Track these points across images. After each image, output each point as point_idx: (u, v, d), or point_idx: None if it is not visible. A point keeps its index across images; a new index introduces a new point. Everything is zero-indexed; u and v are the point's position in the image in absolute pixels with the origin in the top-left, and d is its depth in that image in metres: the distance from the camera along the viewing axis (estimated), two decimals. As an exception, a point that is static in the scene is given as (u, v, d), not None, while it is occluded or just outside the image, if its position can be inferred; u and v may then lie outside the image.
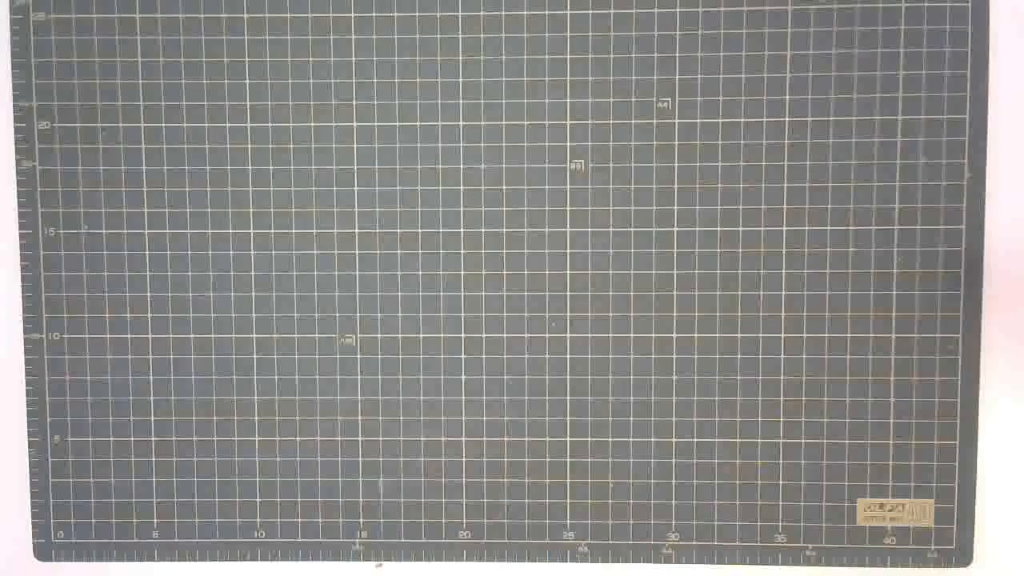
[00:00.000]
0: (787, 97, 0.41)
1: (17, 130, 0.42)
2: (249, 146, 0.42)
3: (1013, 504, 0.42)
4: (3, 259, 0.43)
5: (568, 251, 0.42)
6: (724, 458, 0.43)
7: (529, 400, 0.43)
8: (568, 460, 0.43)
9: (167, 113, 0.42)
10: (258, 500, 0.43)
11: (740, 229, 0.42)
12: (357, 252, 0.42)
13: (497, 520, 0.43)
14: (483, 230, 0.42)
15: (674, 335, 0.42)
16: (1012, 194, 0.41)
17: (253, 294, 0.43)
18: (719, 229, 0.42)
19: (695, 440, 0.43)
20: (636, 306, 0.42)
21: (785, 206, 0.42)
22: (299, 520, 0.43)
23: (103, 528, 0.44)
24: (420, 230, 0.42)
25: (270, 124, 0.42)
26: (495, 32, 0.41)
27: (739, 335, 0.42)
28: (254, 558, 0.43)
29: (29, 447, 0.44)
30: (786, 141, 0.41)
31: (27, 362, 0.43)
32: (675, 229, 0.42)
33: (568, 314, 0.42)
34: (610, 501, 0.43)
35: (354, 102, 0.42)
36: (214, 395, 0.43)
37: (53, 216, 0.43)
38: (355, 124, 0.42)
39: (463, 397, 0.43)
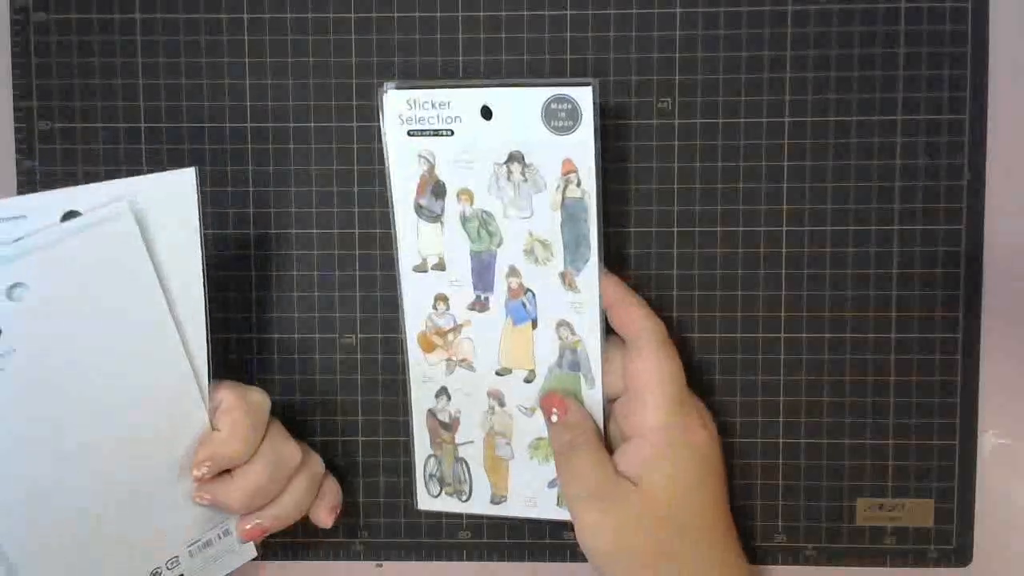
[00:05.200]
0: (787, 97, 0.41)
1: (17, 130, 0.42)
2: (249, 146, 0.42)
3: (1013, 504, 0.42)
4: (3, 259, 0.43)
5: (568, 251, 0.42)
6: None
7: (529, 400, 0.43)
8: (568, 460, 0.43)
9: (167, 113, 0.42)
10: (258, 500, 0.43)
11: (740, 229, 0.42)
12: (357, 252, 0.42)
13: (497, 520, 0.43)
14: (483, 230, 0.42)
15: (674, 335, 0.42)
16: (1012, 194, 0.41)
17: (253, 294, 0.43)
18: (719, 229, 0.42)
19: (695, 440, 0.42)
20: (636, 306, 0.42)
21: (785, 206, 0.42)
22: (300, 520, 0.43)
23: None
24: (420, 230, 0.42)
25: (270, 124, 0.42)
26: (495, 32, 0.41)
27: (739, 335, 0.42)
28: (254, 558, 0.43)
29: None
30: (786, 141, 0.41)
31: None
32: (675, 229, 0.42)
33: (568, 314, 0.42)
34: (610, 501, 0.43)
35: (354, 102, 0.42)
36: (214, 395, 0.43)
37: (53, 216, 0.43)
38: (355, 124, 0.42)
39: (463, 397, 0.43)
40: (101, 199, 0.34)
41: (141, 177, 0.35)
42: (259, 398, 0.39)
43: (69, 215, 0.34)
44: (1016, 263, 0.42)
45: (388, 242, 0.42)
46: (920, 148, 0.41)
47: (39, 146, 0.42)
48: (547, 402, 0.38)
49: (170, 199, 0.36)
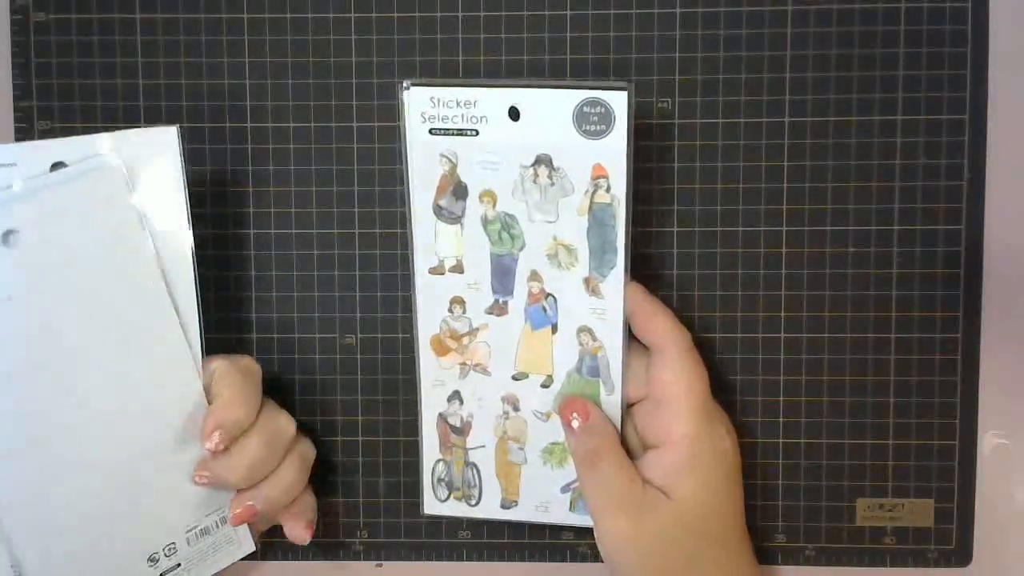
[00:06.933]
0: (787, 97, 0.41)
1: (17, 130, 0.42)
2: (249, 146, 0.42)
3: (1013, 504, 0.42)
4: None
5: (568, 251, 0.42)
6: (724, 458, 0.43)
7: (529, 400, 0.43)
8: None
9: (167, 113, 0.42)
10: (258, 500, 0.43)
11: (740, 229, 0.42)
12: (357, 252, 0.42)
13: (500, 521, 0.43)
14: (483, 230, 0.42)
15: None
16: (1012, 194, 0.41)
17: (253, 294, 0.43)
18: (719, 229, 0.42)
19: (695, 440, 0.42)
20: (636, 306, 0.42)
21: (785, 206, 0.42)
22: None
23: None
24: (420, 230, 0.42)
25: (270, 124, 0.42)
26: (495, 32, 0.41)
27: (739, 335, 0.42)
28: (254, 558, 0.43)
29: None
30: (786, 141, 0.41)
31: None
32: (675, 229, 0.42)
33: (568, 314, 0.42)
34: (610, 501, 0.43)
35: (354, 102, 0.42)
36: (214, 395, 0.43)
37: (53, 216, 0.43)
38: (355, 124, 0.42)
39: (463, 397, 0.43)
40: (87, 151, 0.35)
41: (125, 131, 0.36)
42: (250, 363, 0.39)
43: (57, 166, 0.35)
44: (1016, 263, 0.42)
45: (388, 242, 0.42)
46: (920, 148, 0.41)
47: (39, 146, 0.42)
48: (567, 407, 0.38)
49: (154, 156, 0.36)
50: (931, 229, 0.41)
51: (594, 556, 0.43)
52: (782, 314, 0.42)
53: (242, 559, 0.42)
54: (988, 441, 0.42)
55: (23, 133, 0.42)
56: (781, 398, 0.42)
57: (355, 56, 0.42)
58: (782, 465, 0.43)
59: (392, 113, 0.42)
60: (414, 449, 0.43)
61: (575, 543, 0.43)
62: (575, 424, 0.38)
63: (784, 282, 0.42)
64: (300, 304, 0.43)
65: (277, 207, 0.42)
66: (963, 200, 0.41)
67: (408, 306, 0.42)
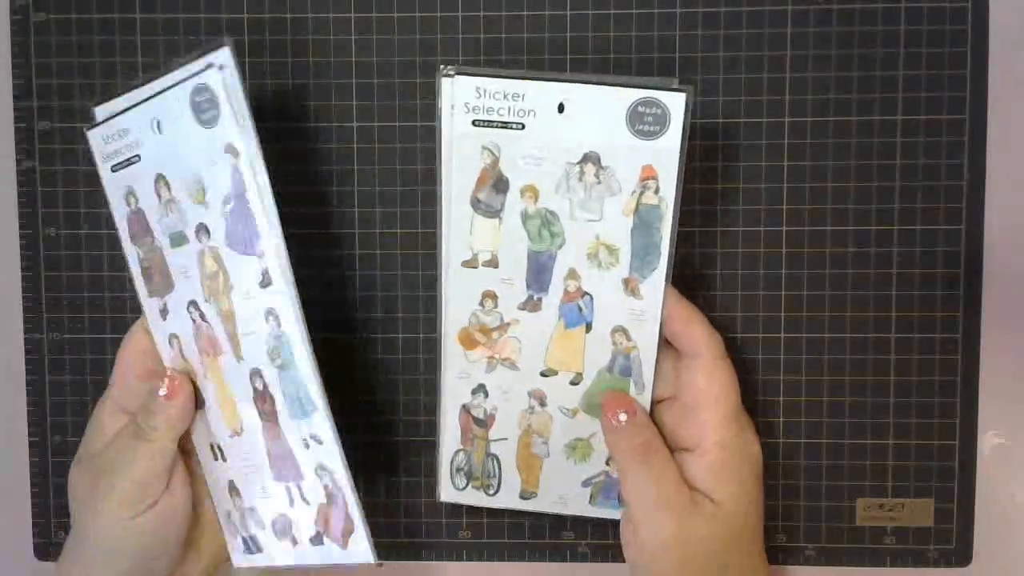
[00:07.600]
0: (787, 97, 0.41)
1: (17, 130, 0.42)
2: (249, 146, 0.42)
3: (1013, 504, 0.42)
4: (3, 259, 0.43)
5: (568, 251, 0.42)
6: (724, 458, 0.43)
7: (529, 400, 0.43)
8: (568, 460, 0.43)
9: (167, 113, 0.42)
10: (258, 500, 0.43)
11: (740, 229, 0.42)
12: (357, 252, 0.42)
13: (497, 520, 0.43)
14: (483, 230, 0.42)
15: (674, 335, 0.42)
16: (1012, 194, 0.41)
17: (253, 294, 0.43)
18: (719, 229, 0.42)
19: (695, 440, 0.42)
20: (636, 306, 0.42)
21: (785, 206, 0.42)
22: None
23: (103, 528, 0.44)
24: (420, 230, 0.42)
25: (271, 124, 0.42)
26: (495, 32, 0.41)
27: (739, 335, 0.42)
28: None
29: (29, 447, 0.44)
30: (786, 141, 0.41)
31: (27, 362, 0.43)
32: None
33: (568, 314, 0.42)
34: (610, 501, 0.43)
35: (354, 102, 0.42)
36: (214, 395, 0.43)
37: (53, 216, 0.43)
38: (355, 124, 0.42)
39: (463, 397, 0.43)
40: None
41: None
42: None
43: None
44: (1016, 263, 0.42)
45: (388, 242, 0.42)
46: (920, 148, 0.41)
47: (39, 146, 0.42)
48: (612, 403, 0.38)
49: None
50: (931, 229, 0.41)
51: (594, 556, 0.43)
52: (782, 314, 0.42)
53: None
54: (988, 441, 0.42)
55: (23, 133, 0.42)
56: (781, 398, 0.42)
57: (355, 56, 0.42)
58: (782, 465, 0.43)
59: (392, 113, 0.42)
60: (415, 449, 0.43)
61: (575, 543, 0.43)
62: (623, 419, 0.37)
63: (784, 282, 0.42)
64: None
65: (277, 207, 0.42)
66: (963, 200, 0.41)
67: (410, 306, 0.42)
